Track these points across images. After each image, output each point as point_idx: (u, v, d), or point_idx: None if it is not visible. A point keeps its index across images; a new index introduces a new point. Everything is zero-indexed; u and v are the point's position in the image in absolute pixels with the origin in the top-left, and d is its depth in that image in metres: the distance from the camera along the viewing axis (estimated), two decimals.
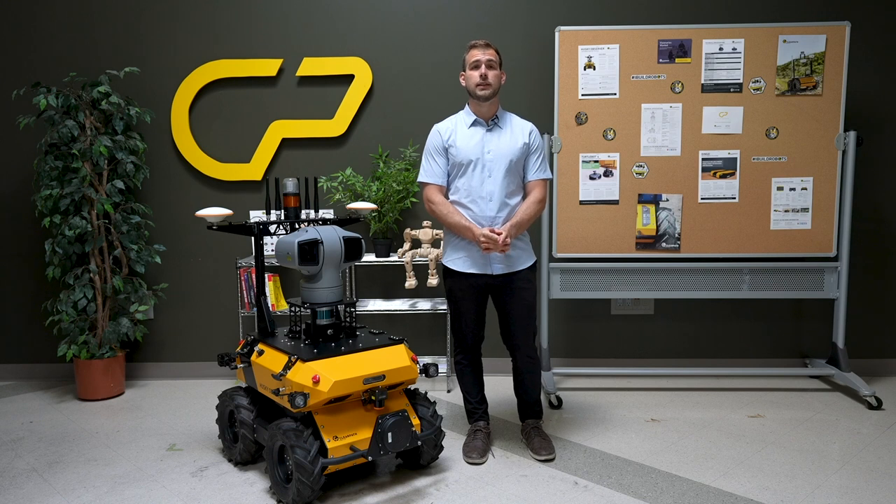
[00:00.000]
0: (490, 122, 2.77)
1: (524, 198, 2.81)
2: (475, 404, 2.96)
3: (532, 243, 2.93)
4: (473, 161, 2.72)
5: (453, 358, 2.97)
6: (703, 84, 3.52)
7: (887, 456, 2.83)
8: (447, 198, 2.81)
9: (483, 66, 2.70)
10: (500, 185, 2.72)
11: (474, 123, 2.77)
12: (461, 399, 3.53)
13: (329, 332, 2.67)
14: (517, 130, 2.78)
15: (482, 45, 2.73)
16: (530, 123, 2.84)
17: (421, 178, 2.83)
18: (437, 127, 2.83)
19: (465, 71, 2.77)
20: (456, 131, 2.78)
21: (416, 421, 2.60)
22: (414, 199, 3.78)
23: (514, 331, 2.85)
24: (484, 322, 2.89)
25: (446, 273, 2.86)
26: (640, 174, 3.58)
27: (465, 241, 2.77)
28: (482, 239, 2.65)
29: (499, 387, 3.67)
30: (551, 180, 2.87)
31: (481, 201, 2.72)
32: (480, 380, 2.97)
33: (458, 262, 2.80)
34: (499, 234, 2.64)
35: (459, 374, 2.95)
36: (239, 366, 2.78)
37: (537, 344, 3.48)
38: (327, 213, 3.77)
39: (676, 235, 3.60)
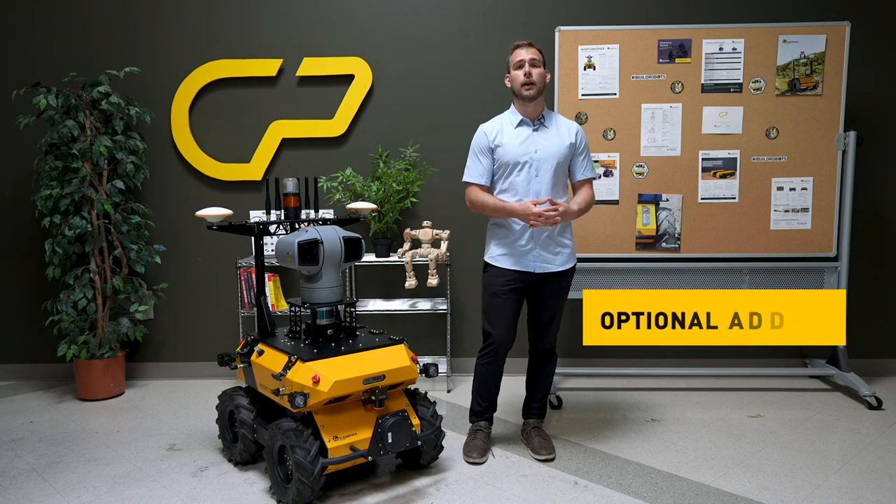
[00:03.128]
0: (536, 121, 2.77)
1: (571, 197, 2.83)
2: (484, 408, 2.94)
3: None
4: (521, 161, 2.72)
5: (476, 358, 2.90)
6: (703, 84, 3.52)
7: (887, 456, 2.83)
8: None
9: (527, 65, 2.70)
10: (547, 184, 2.72)
11: (521, 123, 2.77)
12: (461, 399, 3.53)
13: (329, 332, 2.67)
14: (563, 130, 2.78)
15: (525, 44, 2.75)
16: (576, 124, 2.85)
17: (465, 178, 2.83)
18: (482, 127, 2.82)
19: (509, 72, 2.78)
20: (503, 131, 2.77)
21: (416, 421, 2.60)
22: (414, 199, 3.78)
23: (541, 323, 2.85)
24: (517, 323, 2.83)
25: (486, 268, 2.85)
26: (640, 174, 3.58)
27: (510, 239, 2.76)
28: (533, 215, 2.61)
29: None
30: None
31: (530, 199, 2.71)
32: (498, 386, 2.93)
33: (501, 258, 2.79)
34: (553, 204, 2.61)
35: (480, 375, 2.89)
36: (239, 366, 2.78)
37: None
38: (327, 213, 3.77)
39: (676, 235, 3.60)
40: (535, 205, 2.62)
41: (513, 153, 2.73)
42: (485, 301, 2.85)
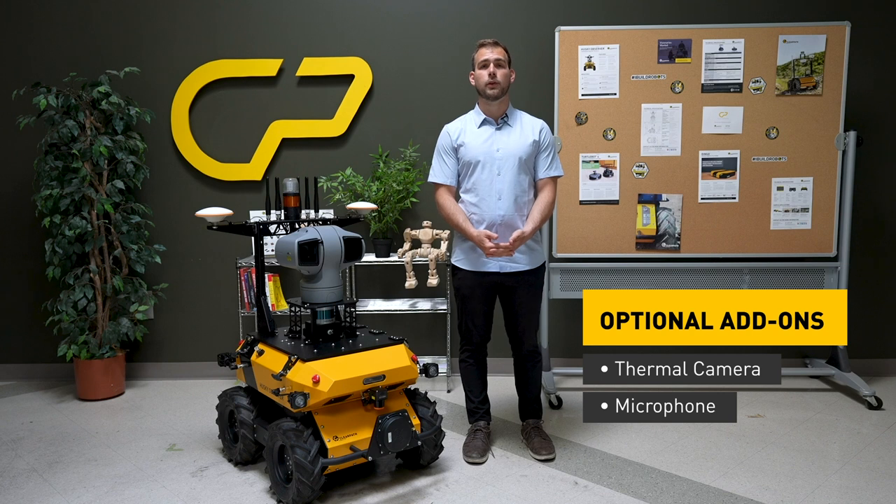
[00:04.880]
0: (500, 120, 2.77)
1: (536, 195, 2.81)
2: (477, 404, 2.96)
3: None
4: (482, 160, 2.71)
5: (458, 356, 2.97)
6: (703, 84, 3.52)
7: (887, 456, 2.83)
8: (458, 197, 2.82)
9: (492, 65, 2.70)
10: (510, 183, 2.70)
11: (484, 122, 2.77)
12: (461, 399, 3.53)
13: (329, 332, 2.67)
14: (527, 128, 2.78)
15: (490, 43, 2.74)
16: (541, 121, 2.83)
17: (430, 179, 2.84)
18: (446, 127, 2.83)
19: (473, 70, 2.77)
20: (465, 130, 2.78)
21: (416, 421, 2.60)
22: (414, 199, 3.78)
23: (519, 325, 2.86)
24: (491, 321, 2.88)
25: (454, 271, 2.86)
26: (640, 174, 3.58)
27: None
28: (489, 246, 2.63)
29: (499, 387, 3.66)
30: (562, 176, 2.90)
31: (491, 199, 2.71)
32: (484, 380, 2.97)
33: (467, 260, 2.80)
34: (507, 245, 2.63)
35: (463, 373, 2.95)
36: (239, 366, 2.78)
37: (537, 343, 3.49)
38: (327, 213, 3.77)
39: (676, 235, 3.60)
40: (488, 238, 2.63)
41: (474, 152, 2.72)
42: (458, 303, 2.88)
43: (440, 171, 2.80)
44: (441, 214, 2.81)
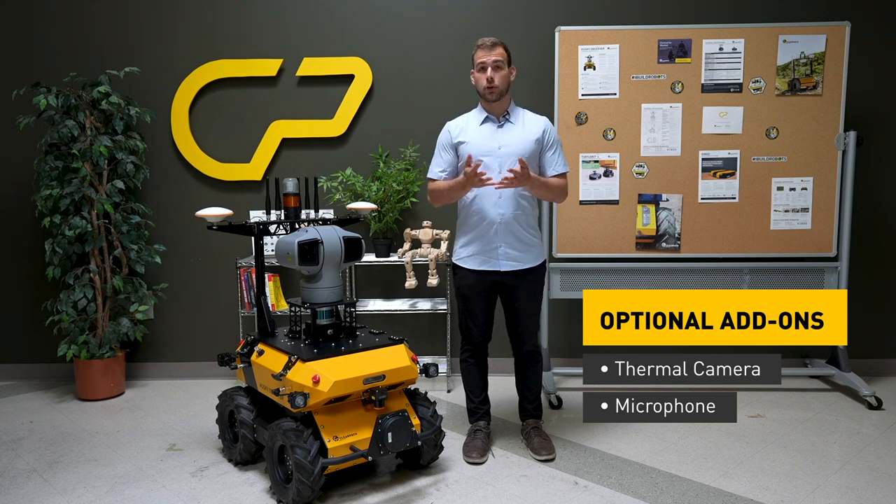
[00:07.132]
0: (501, 118, 2.76)
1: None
2: (477, 404, 2.96)
3: None
4: (485, 158, 2.70)
5: (459, 356, 2.97)
6: (703, 84, 3.52)
7: (887, 456, 2.83)
8: None
9: (489, 70, 2.68)
10: None
11: (486, 120, 2.77)
12: (461, 399, 3.53)
13: (329, 332, 2.67)
14: (530, 125, 2.77)
15: (488, 45, 2.71)
16: (544, 118, 2.82)
17: (427, 175, 2.84)
18: (447, 124, 2.84)
19: (473, 70, 2.76)
20: (466, 128, 2.77)
21: (416, 421, 2.60)
22: (414, 199, 3.78)
23: (519, 325, 2.85)
24: (492, 321, 2.88)
25: (455, 270, 2.86)
26: (640, 174, 3.58)
27: (474, 237, 2.75)
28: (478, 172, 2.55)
29: (499, 386, 3.66)
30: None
31: (491, 198, 2.70)
32: (485, 379, 2.97)
33: (468, 259, 2.79)
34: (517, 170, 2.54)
35: (464, 373, 2.95)
36: (239, 366, 2.78)
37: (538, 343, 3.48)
38: (327, 213, 3.77)
39: (676, 235, 3.60)
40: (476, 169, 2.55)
41: (476, 149, 2.71)
42: (458, 303, 2.88)
43: (435, 167, 2.82)
44: (438, 204, 2.81)
